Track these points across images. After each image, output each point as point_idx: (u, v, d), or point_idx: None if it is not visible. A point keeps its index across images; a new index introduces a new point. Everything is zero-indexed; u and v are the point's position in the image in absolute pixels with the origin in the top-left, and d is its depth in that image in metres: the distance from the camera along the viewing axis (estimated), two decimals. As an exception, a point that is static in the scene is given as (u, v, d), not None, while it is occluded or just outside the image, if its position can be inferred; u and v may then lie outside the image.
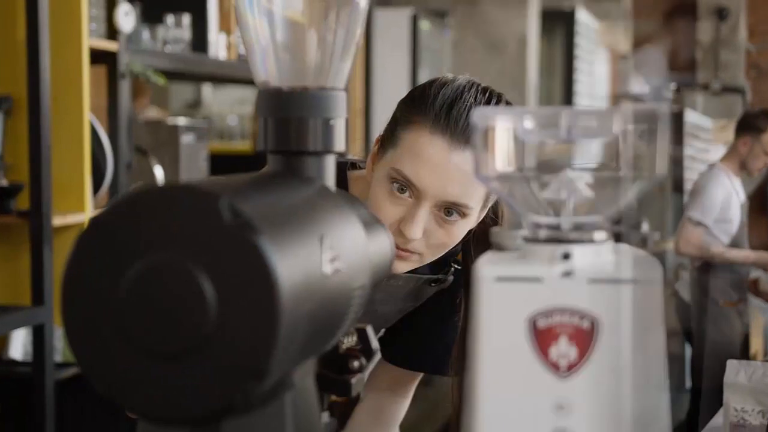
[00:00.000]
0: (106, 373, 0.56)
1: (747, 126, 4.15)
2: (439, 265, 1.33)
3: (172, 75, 3.28)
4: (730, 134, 4.77)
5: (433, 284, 1.33)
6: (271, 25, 0.69)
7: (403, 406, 1.46)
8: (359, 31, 0.72)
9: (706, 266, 4.08)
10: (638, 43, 7.48)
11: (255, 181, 0.64)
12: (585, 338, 0.60)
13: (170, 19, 3.02)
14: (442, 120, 1.14)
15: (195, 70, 3.17)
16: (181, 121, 3.24)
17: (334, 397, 0.83)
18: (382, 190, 1.17)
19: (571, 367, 0.60)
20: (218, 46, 3.23)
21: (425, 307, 1.37)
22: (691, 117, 6.30)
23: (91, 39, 2.52)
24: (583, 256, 0.60)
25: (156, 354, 0.55)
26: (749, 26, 7.51)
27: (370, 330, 0.79)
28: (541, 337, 0.60)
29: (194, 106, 5.92)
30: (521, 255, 0.63)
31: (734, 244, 4.10)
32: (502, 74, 5.39)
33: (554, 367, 0.60)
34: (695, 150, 6.24)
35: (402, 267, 1.20)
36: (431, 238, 1.17)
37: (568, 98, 6.68)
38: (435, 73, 4.28)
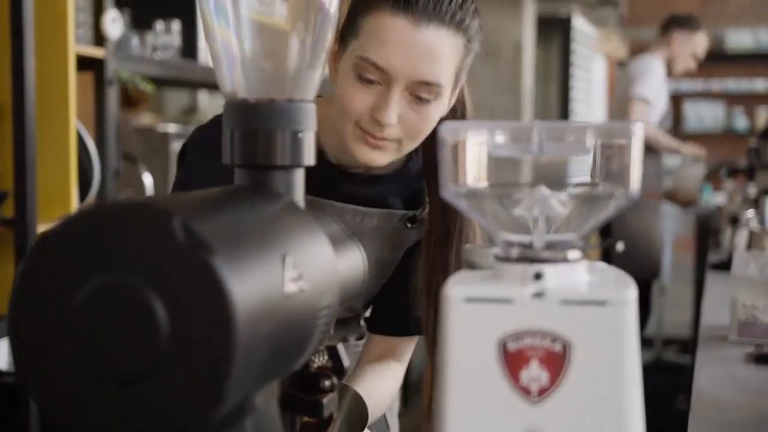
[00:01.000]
0: (54, 397, 0.54)
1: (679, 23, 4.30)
2: (414, 202, 1.30)
3: (161, 82, 3.25)
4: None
5: (409, 224, 1.30)
6: (238, 34, 0.67)
7: (400, 371, 1.39)
8: (330, 38, 0.70)
9: None
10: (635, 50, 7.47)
11: (216, 197, 0.62)
12: (557, 362, 0.57)
13: (160, 25, 2.99)
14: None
15: (184, 77, 3.15)
16: (172, 128, 3.21)
17: (306, 418, 0.81)
18: (349, 82, 1.15)
19: (543, 392, 0.58)
20: (208, 52, 3.20)
21: (403, 270, 1.33)
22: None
23: (78, 45, 2.49)
24: (556, 276, 0.58)
25: (107, 378, 0.53)
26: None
27: (341, 347, 0.76)
28: (512, 361, 0.58)
29: (190, 112, 5.90)
30: (492, 274, 0.60)
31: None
32: (496, 80, 5.37)
33: (525, 391, 0.58)
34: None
35: (380, 158, 1.18)
36: (407, 124, 1.16)
37: (564, 105, 6.66)
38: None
